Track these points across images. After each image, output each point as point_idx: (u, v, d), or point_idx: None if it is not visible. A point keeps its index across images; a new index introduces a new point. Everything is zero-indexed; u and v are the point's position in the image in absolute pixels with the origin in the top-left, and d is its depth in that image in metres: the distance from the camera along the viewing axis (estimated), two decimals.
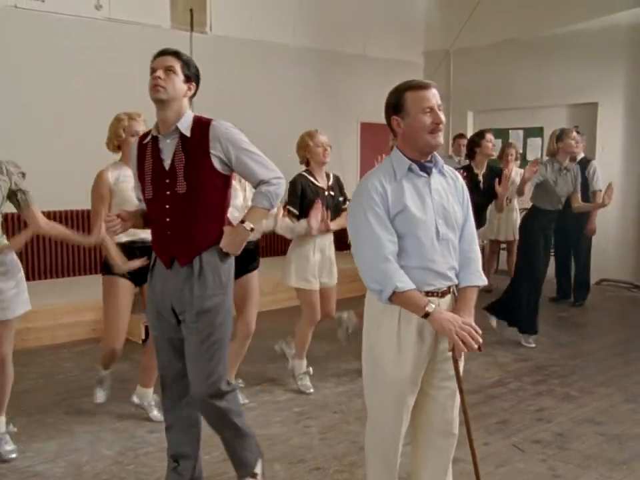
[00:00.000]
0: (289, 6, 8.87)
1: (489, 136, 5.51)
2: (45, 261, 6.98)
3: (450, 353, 2.53)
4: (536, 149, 9.36)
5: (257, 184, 2.91)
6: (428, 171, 2.55)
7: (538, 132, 9.32)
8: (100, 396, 4.24)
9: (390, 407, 2.60)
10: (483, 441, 3.85)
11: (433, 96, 2.49)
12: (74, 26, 6.94)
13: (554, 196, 5.79)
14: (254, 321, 4.34)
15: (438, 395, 2.64)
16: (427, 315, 2.42)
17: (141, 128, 3.77)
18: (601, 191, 6.88)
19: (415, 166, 2.52)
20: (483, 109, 9.96)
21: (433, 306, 2.42)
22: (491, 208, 5.99)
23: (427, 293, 2.51)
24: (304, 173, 4.58)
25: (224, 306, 2.90)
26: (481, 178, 5.46)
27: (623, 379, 5.03)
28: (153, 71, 2.80)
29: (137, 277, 3.85)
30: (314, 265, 4.57)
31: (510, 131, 9.61)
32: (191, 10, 7.99)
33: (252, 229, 2.90)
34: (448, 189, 2.60)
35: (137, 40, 7.18)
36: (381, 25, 9.79)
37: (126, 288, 3.90)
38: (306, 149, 4.56)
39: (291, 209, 4.49)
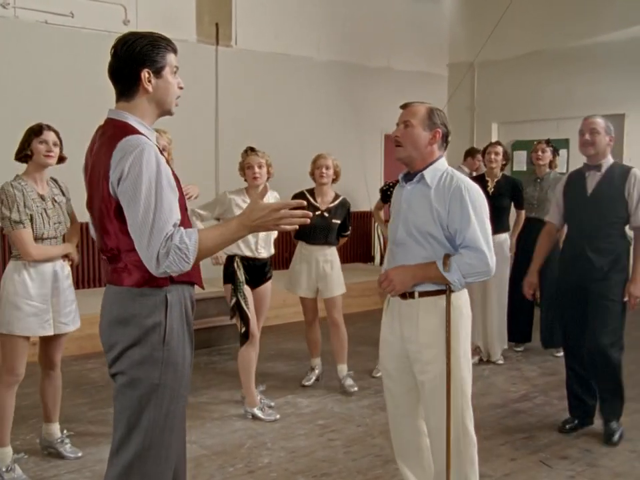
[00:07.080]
0: (314, 19, 8.92)
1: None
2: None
3: (418, 356, 2.74)
4: (562, 160, 9.26)
5: None
6: (408, 182, 2.79)
7: (564, 143, 9.22)
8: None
9: (385, 388, 2.97)
10: (510, 457, 3.80)
11: (404, 113, 2.75)
12: (103, 41, 7.02)
13: None
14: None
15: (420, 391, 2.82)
16: None
17: (163, 142, 3.88)
18: None
19: (401, 176, 2.84)
20: (508, 120, 9.91)
21: None
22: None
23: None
24: (305, 191, 4.88)
25: None
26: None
27: None
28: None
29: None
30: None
31: (535, 143, 9.52)
32: (217, 24, 8.09)
33: None
34: (422, 199, 2.70)
35: None
36: (405, 38, 9.81)
37: None
38: (311, 170, 4.89)
39: None
